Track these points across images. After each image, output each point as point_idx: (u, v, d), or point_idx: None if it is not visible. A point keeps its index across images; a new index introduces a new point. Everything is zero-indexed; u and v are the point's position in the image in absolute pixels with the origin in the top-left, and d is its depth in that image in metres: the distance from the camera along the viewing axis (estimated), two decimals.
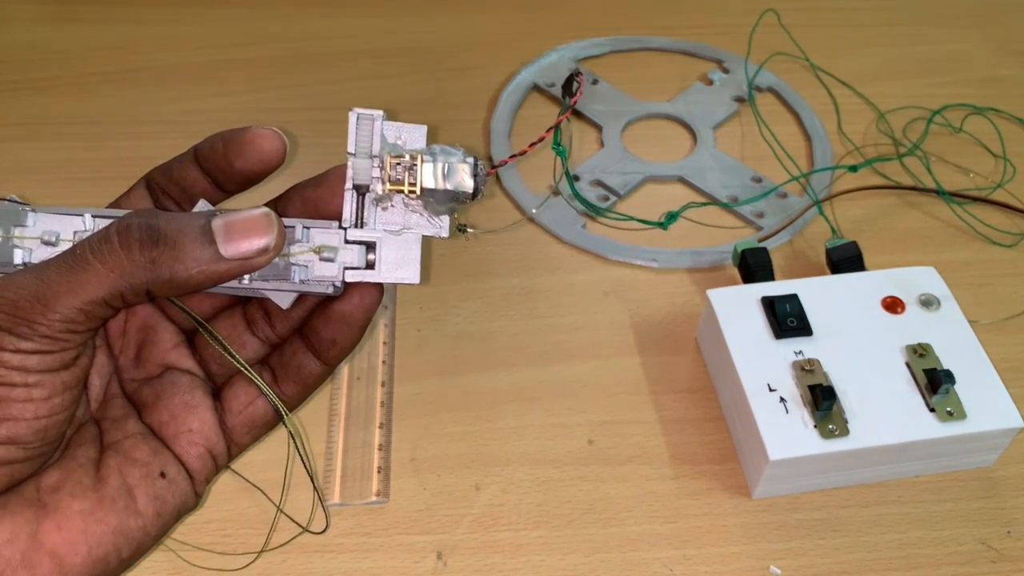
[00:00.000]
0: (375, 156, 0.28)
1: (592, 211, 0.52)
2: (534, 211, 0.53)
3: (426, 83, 0.62)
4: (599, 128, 0.59)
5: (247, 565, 0.39)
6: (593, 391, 0.46)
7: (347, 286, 0.29)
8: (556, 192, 0.55)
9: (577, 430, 0.44)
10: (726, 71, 0.63)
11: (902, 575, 0.39)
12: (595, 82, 0.62)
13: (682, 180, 0.56)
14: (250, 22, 0.66)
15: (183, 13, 0.66)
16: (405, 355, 0.47)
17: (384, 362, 0.46)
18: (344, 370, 0.46)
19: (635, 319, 0.49)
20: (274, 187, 0.31)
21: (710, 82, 0.62)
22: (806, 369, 0.41)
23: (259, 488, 0.40)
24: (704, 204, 0.54)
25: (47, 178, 0.55)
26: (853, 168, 0.55)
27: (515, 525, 0.41)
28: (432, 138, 0.29)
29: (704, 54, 0.65)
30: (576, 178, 0.56)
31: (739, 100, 0.61)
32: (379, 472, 0.42)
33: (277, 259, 0.27)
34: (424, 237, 0.29)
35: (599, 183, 0.56)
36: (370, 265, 0.29)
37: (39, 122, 0.59)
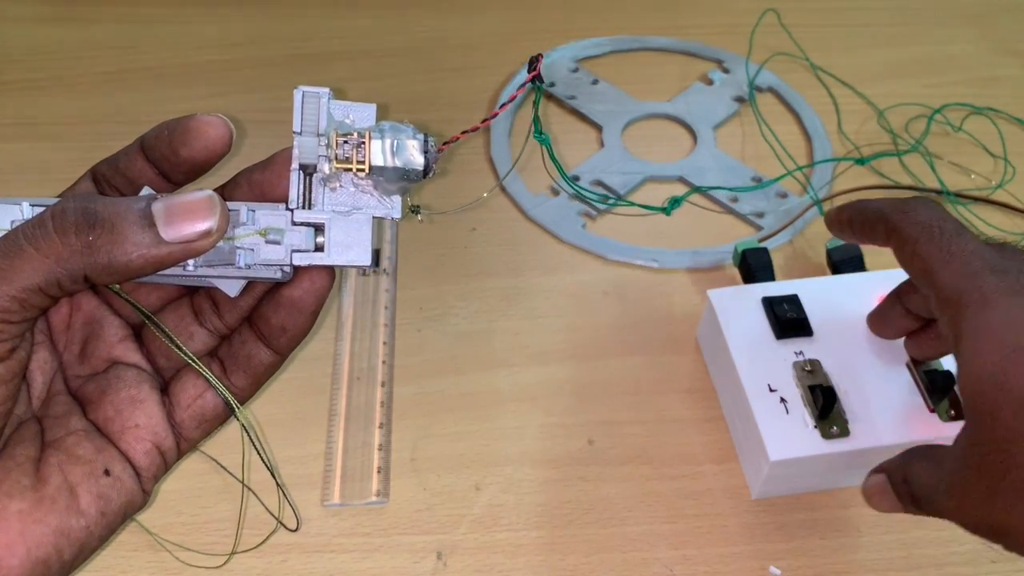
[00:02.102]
0: (322, 135, 0.28)
1: (585, 199, 0.52)
2: (485, 195, 0.54)
3: (426, 83, 0.62)
4: (599, 128, 0.59)
5: (222, 564, 0.39)
6: (593, 391, 0.46)
7: (296, 271, 0.28)
8: (556, 192, 0.55)
9: (577, 430, 0.44)
10: (726, 71, 0.63)
11: (902, 575, 0.39)
12: (595, 82, 0.62)
13: (682, 180, 0.56)
14: (250, 22, 0.66)
15: (183, 13, 0.66)
16: (405, 355, 0.47)
17: (384, 362, 0.46)
18: (344, 370, 0.46)
19: (635, 319, 0.49)
20: (227, 176, 0.30)
21: (710, 82, 0.62)
22: (807, 370, 0.41)
23: (250, 488, 0.40)
24: (708, 188, 0.53)
25: (47, 178, 0.55)
26: (860, 161, 0.56)
27: (515, 525, 0.41)
28: (383, 117, 0.29)
29: (704, 54, 0.65)
30: (576, 178, 0.56)
31: (739, 100, 0.61)
32: (379, 472, 0.42)
33: (222, 243, 0.26)
34: (377, 219, 0.28)
35: (599, 183, 0.56)
36: (319, 248, 0.28)
37: (39, 122, 0.59)
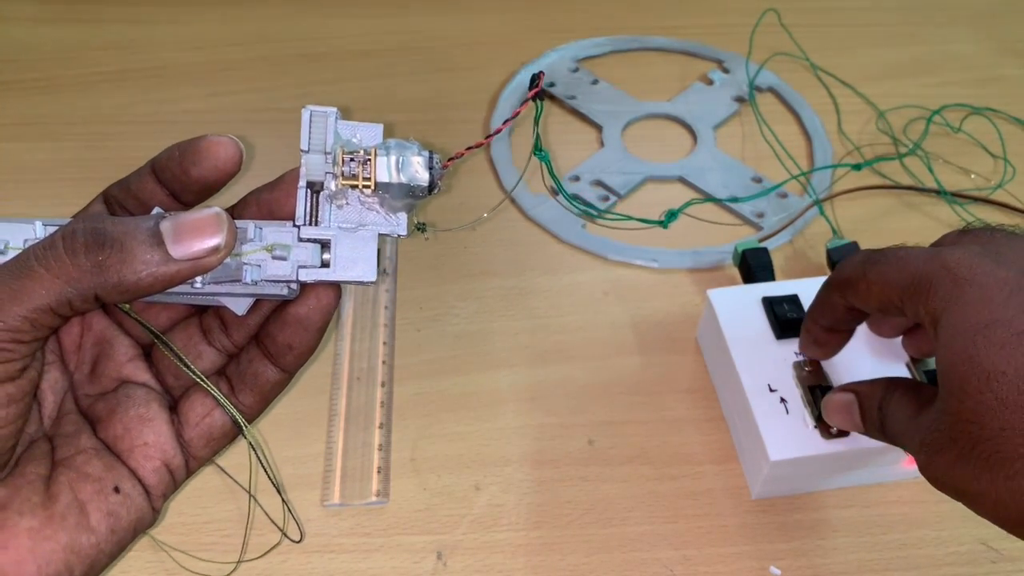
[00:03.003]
0: (328, 153, 0.28)
1: (585, 211, 0.52)
2: (486, 215, 0.53)
3: (426, 83, 0.62)
4: (599, 128, 0.59)
5: (231, 572, 0.39)
6: (593, 391, 0.46)
7: (303, 289, 0.28)
8: (555, 193, 0.55)
9: (577, 430, 0.44)
10: (726, 71, 0.63)
11: (902, 575, 0.39)
12: (595, 82, 0.62)
13: (682, 180, 0.56)
14: (250, 22, 0.66)
15: (183, 13, 0.66)
16: (405, 355, 0.47)
17: (384, 362, 0.46)
18: (344, 370, 0.46)
19: (635, 319, 0.49)
20: (236, 196, 0.30)
21: (710, 82, 0.62)
22: (807, 369, 0.41)
23: (257, 501, 0.40)
24: (705, 200, 0.54)
25: (47, 178, 0.55)
26: (857, 167, 0.55)
27: (515, 525, 0.41)
28: (388, 133, 0.29)
29: (704, 54, 0.65)
30: (576, 178, 0.56)
31: (739, 100, 0.61)
32: (379, 472, 0.42)
33: (229, 259, 0.27)
34: (383, 236, 0.28)
35: (599, 183, 0.56)
36: (325, 264, 0.28)
37: (39, 122, 0.59)
